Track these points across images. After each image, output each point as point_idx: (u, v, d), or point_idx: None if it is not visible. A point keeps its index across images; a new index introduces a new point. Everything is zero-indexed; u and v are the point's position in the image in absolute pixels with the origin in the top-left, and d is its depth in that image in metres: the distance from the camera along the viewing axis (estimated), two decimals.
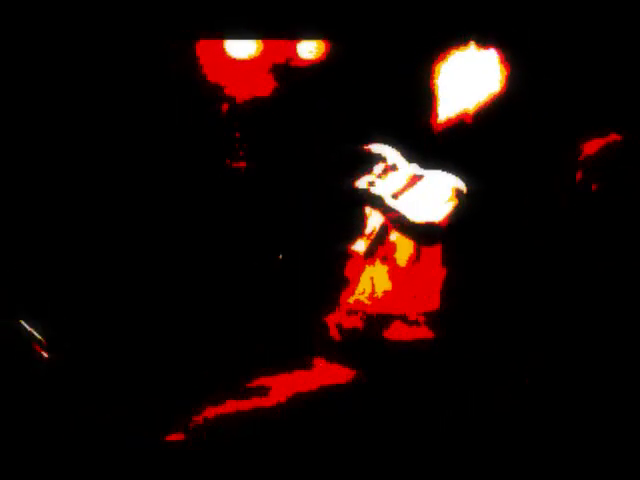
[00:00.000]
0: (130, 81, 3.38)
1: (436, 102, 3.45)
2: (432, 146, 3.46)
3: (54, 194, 3.34)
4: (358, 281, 3.38)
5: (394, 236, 3.39)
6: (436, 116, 3.45)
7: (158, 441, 2.86)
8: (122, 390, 3.05)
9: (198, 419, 2.97)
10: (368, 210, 3.40)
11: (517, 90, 3.38)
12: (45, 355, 3.05)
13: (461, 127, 3.45)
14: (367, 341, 3.30)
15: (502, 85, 3.41)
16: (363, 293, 3.36)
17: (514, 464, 2.91)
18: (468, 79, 3.44)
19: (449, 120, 3.45)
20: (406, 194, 3.38)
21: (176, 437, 2.90)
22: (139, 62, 3.36)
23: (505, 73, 3.40)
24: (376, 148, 3.43)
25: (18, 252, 3.27)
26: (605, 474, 2.89)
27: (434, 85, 3.44)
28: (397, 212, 3.35)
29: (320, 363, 3.26)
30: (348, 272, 3.38)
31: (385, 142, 3.44)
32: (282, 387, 3.10)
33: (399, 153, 3.43)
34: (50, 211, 3.33)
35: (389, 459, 2.92)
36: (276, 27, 3.29)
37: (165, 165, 3.44)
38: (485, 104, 3.42)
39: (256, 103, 3.49)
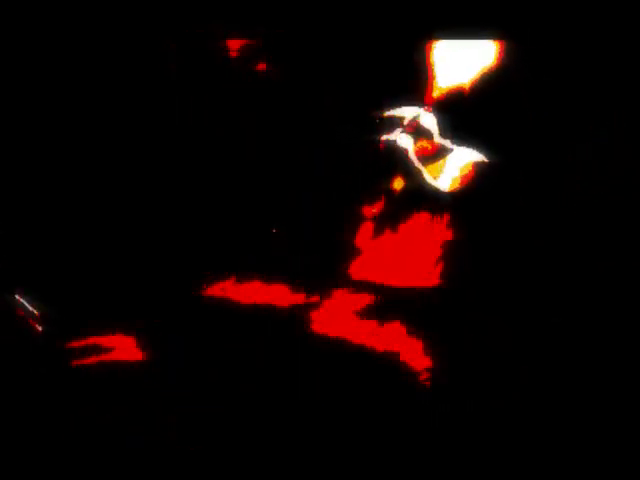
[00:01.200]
0: (126, 67, 3.40)
1: (433, 80, 3.47)
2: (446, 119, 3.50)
3: (53, 167, 3.36)
4: (367, 247, 3.39)
5: (409, 202, 3.42)
6: (434, 92, 3.48)
7: (158, 441, 2.87)
8: (122, 389, 3.06)
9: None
10: (387, 171, 3.42)
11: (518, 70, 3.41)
12: (39, 329, 3.06)
13: (462, 103, 3.48)
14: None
15: (500, 64, 3.43)
16: (371, 261, 3.37)
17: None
18: (467, 57, 3.47)
19: (450, 95, 3.48)
20: (432, 163, 3.42)
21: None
22: (134, 52, 3.38)
23: (502, 53, 3.43)
24: (412, 112, 3.47)
25: (14, 226, 3.29)
26: (605, 474, 2.91)
27: (430, 63, 3.46)
28: (419, 174, 3.39)
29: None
30: (358, 237, 3.39)
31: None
32: None
33: (435, 123, 3.46)
34: (45, 185, 3.35)
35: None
36: (273, 26, 3.31)
37: (167, 140, 3.46)
38: (482, 81, 3.45)
39: (256, 84, 3.50)
